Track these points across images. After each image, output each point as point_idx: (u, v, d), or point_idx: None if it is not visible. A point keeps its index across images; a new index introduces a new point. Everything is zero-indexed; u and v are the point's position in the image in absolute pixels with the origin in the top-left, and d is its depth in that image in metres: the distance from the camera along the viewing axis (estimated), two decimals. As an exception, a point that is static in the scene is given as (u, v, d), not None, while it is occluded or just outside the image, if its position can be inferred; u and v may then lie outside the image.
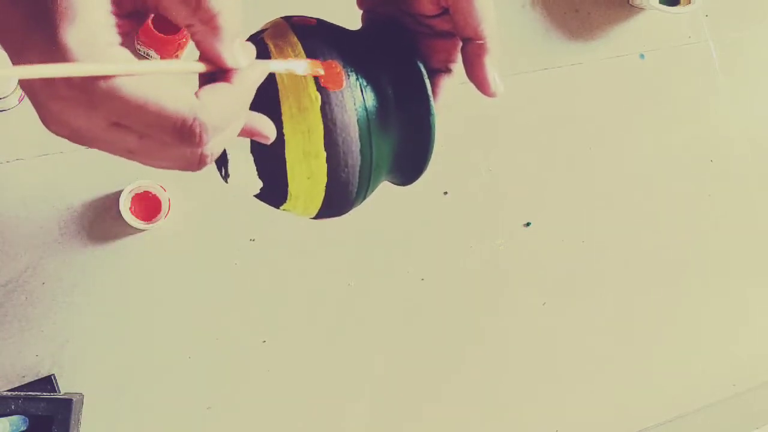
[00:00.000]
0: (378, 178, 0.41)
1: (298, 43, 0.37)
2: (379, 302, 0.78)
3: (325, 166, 0.37)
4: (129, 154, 0.31)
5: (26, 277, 0.69)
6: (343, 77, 0.37)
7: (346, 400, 0.77)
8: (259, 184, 0.40)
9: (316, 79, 0.36)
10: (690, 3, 0.87)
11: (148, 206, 0.70)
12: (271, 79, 0.36)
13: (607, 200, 0.87)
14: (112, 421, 0.70)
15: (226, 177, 0.40)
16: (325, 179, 0.37)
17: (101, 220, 0.71)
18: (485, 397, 0.81)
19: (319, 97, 0.36)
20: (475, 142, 0.82)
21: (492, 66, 0.38)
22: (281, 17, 0.41)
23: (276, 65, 0.35)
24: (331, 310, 0.77)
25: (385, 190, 0.79)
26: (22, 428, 0.61)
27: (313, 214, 0.41)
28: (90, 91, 0.27)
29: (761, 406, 0.90)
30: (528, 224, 0.84)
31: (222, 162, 0.40)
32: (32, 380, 0.68)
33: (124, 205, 0.69)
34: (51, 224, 0.70)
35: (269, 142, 0.35)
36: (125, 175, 0.71)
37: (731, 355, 0.91)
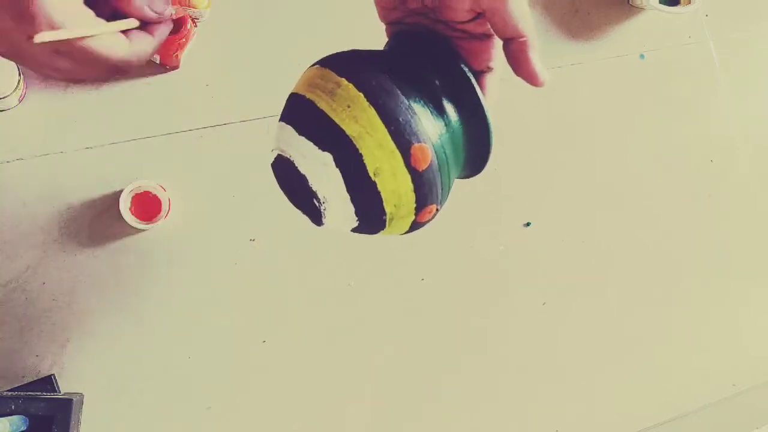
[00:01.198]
0: (451, 187, 0.42)
1: (364, 99, 0.38)
2: (379, 302, 0.78)
3: (397, 151, 0.38)
4: (58, 71, 0.38)
5: (26, 277, 0.69)
6: (431, 156, 0.38)
7: (346, 399, 0.77)
8: (355, 222, 0.41)
9: (404, 154, 0.37)
10: (690, 3, 0.87)
11: (148, 206, 0.70)
12: (346, 139, 0.37)
13: (607, 200, 0.87)
14: (112, 421, 0.70)
15: (319, 212, 0.41)
16: (401, 160, 0.38)
17: (101, 220, 0.71)
18: (485, 396, 0.81)
19: (361, 94, 0.37)
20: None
21: (536, 58, 0.39)
22: (321, 66, 0.41)
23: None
24: (331, 310, 0.77)
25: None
26: (22, 428, 0.61)
27: (412, 211, 0.42)
28: (72, 45, 0.36)
29: (761, 406, 0.90)
30: (528, 224, 0.84)
31: (309, 197, 0.40)
32: (32, 380, 0.68)
33: (124, 205, 0.69)
34: (51, 224, 0.70)
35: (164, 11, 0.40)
36: (125, 175, 0.71)
37: (731, 355, 0.91)
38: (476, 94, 0.39)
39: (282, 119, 0.41)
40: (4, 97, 0.66)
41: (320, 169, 0.38)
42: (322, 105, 0.38)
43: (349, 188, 0.38)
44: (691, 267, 0.90)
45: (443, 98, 0.39)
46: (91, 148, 0.71)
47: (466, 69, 0.39)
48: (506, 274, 0.83)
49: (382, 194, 0.38)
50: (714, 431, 0.88)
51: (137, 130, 0.73)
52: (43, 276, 0.70)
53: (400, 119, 0.37)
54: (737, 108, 0.94)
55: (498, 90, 0.42)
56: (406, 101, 0.38)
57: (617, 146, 0.88)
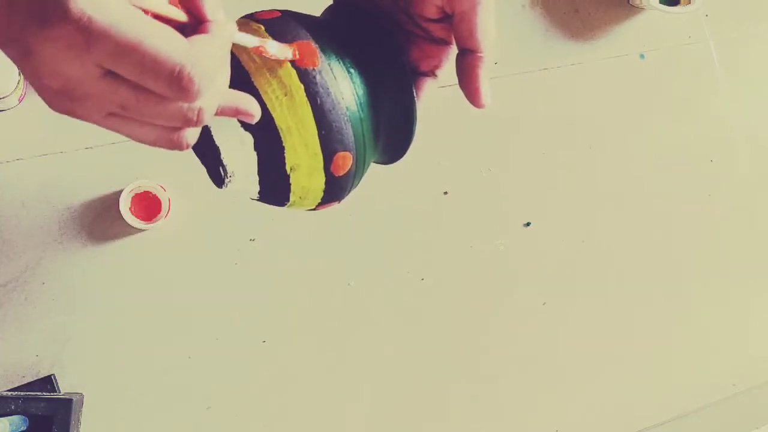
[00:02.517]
0: (370, 157, 0.41)
1: (303, 92, 0.36)
2: (378, 302, 0.78)
3: (321, 155, 0.37)
4: (122, 110, 0.30)
5: (26, 277, 0.69)
6: (318, 54, 0.36)
7: (346, 399, 0.77)
8: (257, 186, 0.39)
9: (296, 68, 0.36)
10: (690, 3, 0.87)
11: (148, 206, 0.70)
12: (243, 72, 0.36)
13: (607, 200, 0.87)
14: (112, 421, 0.70)
15: (222, 181, 0.39)
16: (322, 164, 0.37)
17: (101, 220, 0.71)
18: (485, 396, 0.81)
19: (301, 86, 0.36)
20: (475, 141, 0.82)
21: (485, 78, 0.39)
22: (243, 17, 0.40)
23: (247, 39, 0.33)
24: (331, 309, 0.77)
25: (385, 190, 0.79)
26: (22, 428, 0.61)
27: (314, 205, 0.41)
28: (85, 28, 0.26)
29: (761, 406, 0.90)
30: (528, 224, 0.84)
31: (216, 165, 0.39)
32: (32, 380, 0.68)
33: (124, 205, 0.69)
34: (51, 224, 0.70)
35: (254, 121, 0.34)
36: (125, 175, 0.71)
37: (731, 355, 0.91)
38: (410, 89, 0.38)
39: None
40: (4, 97, 0.66)
41: (237, 147, 0.37)
42: (259, 82, 0.36)
43: (261, 173, 0.37)
44: (690, 267, 0.90)
45: (374, 86, 0.38)
46: (91, 148, 0.71)
47: (405, 62, 0.38)
48: (506, 274, 0.83)
49: (292, 187, 0.38)
50: (714, 431, 0.88)
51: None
52: (43, 276, 0.70)
53: (333, 125, 0.36)
54: (737, 108, 0.94)
55: (432, 97, 0.42)
56: (341, 103, 0.36)
57: (617, 146, 0.88)
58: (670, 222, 0.90)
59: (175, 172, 0.73)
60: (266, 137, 0.36)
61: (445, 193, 0.81)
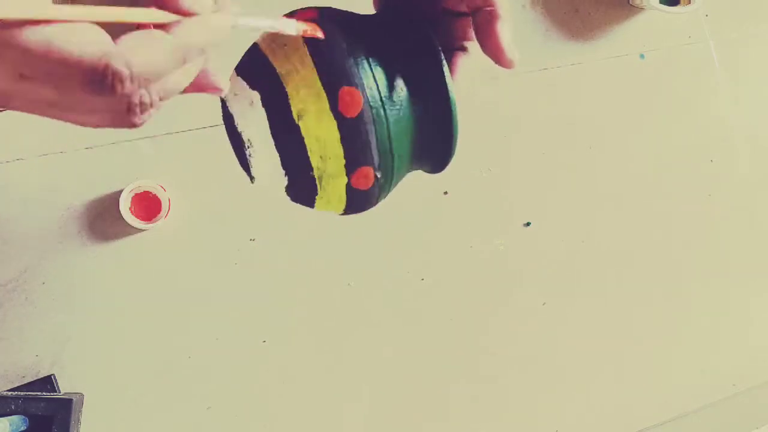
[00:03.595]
0: (401, 166, 0.39)
1: (301, 39, 0.36)
2: (378, 302, 0.78)
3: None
4: (51, 109, 0.29)
5: (26, 277, 0.69)
6: (317, 28, 0.35)
7: (345, 399, 0.77)
8: (284, 180, 0.38)
9: (318, 67, 0.35)
10: (690, 3, 0.87)
11: (148, 206, 0.70)
12: (275, 77, 0.36)
13: (607, 200, 0.87)
14: (112, 421, 0.70)
15: (247, 162, 0.38)
16: (327, 103, 0.35)
17: (101, 220, 0.71)
18: (485, 396, 0.81)
19: (301, 40, 0.35)
20: (475, 141, 0.82)
21: (505, 33, 0.37)
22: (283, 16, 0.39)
23: (248, 22, 0.33)
24: (331, 310, 0.77)
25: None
26: (22, 428, 0.61)
27: (342, 170, 0.38)
28: None
29: (761, 406, 0.90)
30: (528, 224, 0.84)
31: (238, 142, 0.38)
32: (32, 380, 0.68)
33: (124, 205, 0.69)
34: (51, 224, 0.70)
35: (222, 95, 0.34)
36: (125, 175, 0.71)
37: (731, 355, 0.91)
38: (442, 69, 0.36)
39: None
40: (4, 97, 0.66)
41: (247, 109, 0.36)
42: (263, 46, 0.37)
43: (273, 130, 0.36)
44: (690, 267, 0.90)
45: (404, 69, 0.37)
46: (91, 148, 0.71)
47: (438, 46, 0.37)
48: (506, 274, 0.83)
49: (306, 140, 0.36)
50: (714, 431, 0.88)
51: (137, 130, 0.73)
52: (43, 276, 0.70)
53: (331, 59, 0.35)
54: (737, 108, 0.94)
55: (469, 75, 0.40)
56: (344, 45, 0.35)
57: (617, 146, 0.88)
58: (670, 222, 0.90)
59: (175, 172, 0.73)
60: (270, 88, 0.36)
61: (445, 193, 0.81)
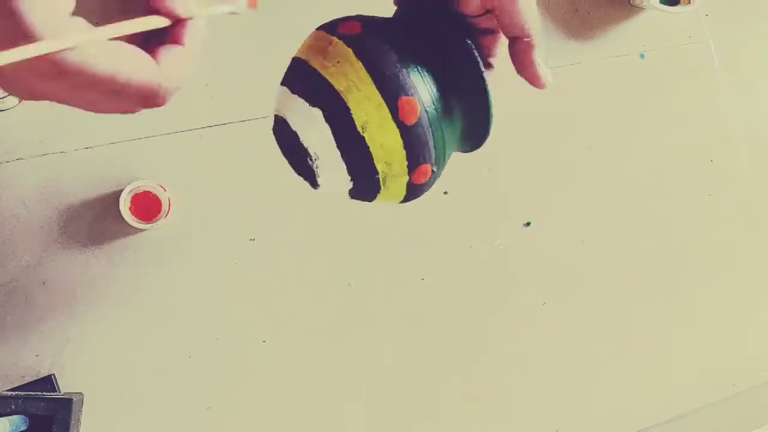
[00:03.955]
0: (449, 155, 0.43)
1: (353, 54, 0.38)
2: (378, 302, 0.78)
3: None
4: (89, 105, 0.32)
5: (26, 277, 0.69)
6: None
7: (345, 399, 0.77)
8: (349, 183, 0.41)
9: (342, 37, 0.38)
10: (690, 3, 0.87)
11: (148, 206, 0.70)
12: (334, 94, 0.38)
13: (607, 200, 0.87)
14: (112, 421, 0.70)
15: (313, 173, 0.41)
16: (389, 113, 0.38)
17: (101, 220, 0.71)
18: (485, 396, 0.81)
19: (350, 49, 0.38)
20: (475, 142, 0.82)
21: (540, 60, 0.40)
22: (321, 27, 0.42)
23: (211, 9, 0.36)
24: (331, 309, 0.77)
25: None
26: (22, 428, 0.61)
27: (404, 170, 0.42)
28: (60, 65, 0.27)
29: (761, 406, 0.90)
30: (528, 224, 0.84)
31: (310, 172, 0.41)
32: (32, 380, 0.68)
33: (124, 205, 0.69)
34: (51, 224, 0.70)
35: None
36: (125, 175, 0.71)
37: (731, 355, 0.91)
38: (478, 65, 0.39)
39: (281, 83, 0.42)
40: (4, 97, 0.66)
41: (311, 125, 0.39)
42: (315, 63, 0.39)
43: (339, 143, 0.39)
44: (690, 267, 0.90)
45: (441, 66, 0.40)
46: (91, 148, 0.71)
47: (469, 42, 0.39)
48: (506, 274, 0.83)
49: (371, 149, 0.38)
50: (714, 431, 0.88)
51: (137, 130, 0.73)
52: (43, 276, 0.70)
53: (387, 72, 0.38)
54: (737, 108, 0.94)
55: (493, 88, 0.42)
56: (395, 57, 0.38)
57: (617, 146, 0.88)
58: (670, 222, 0.90)
59: (175, 172, 0.73)
60: (332, 105, 0.38)
61: (445, 192, 0.81)
